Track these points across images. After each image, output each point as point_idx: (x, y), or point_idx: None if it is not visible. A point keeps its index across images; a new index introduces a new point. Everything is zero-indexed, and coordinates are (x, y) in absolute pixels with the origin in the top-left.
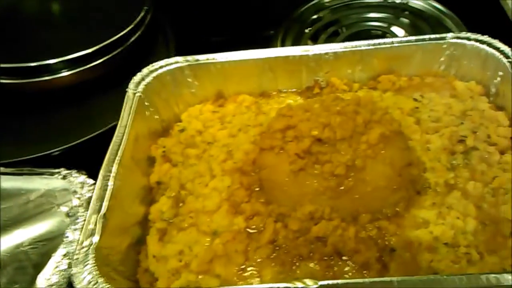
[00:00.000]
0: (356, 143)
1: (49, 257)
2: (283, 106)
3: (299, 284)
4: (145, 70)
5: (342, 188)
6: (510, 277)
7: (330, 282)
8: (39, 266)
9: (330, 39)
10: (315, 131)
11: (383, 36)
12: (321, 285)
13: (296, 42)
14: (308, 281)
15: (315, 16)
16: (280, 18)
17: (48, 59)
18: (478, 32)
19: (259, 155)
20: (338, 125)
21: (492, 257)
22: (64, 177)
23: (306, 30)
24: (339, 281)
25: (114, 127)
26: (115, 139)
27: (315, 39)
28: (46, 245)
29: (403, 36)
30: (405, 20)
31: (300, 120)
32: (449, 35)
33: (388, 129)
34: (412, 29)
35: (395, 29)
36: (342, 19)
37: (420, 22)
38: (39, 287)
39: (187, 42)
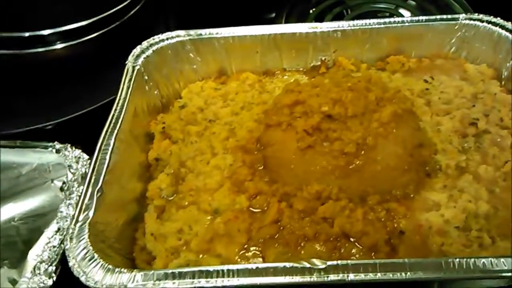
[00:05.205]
0: (368, 121)
1: (40, 233)
2: (291, 82)
3: (306, 264)
4: (145, 43)
5: (351, 167)
6: None
7: (339, 262)
8: (30, 242)
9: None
10: (325, 107)
11: (390, 17)
12: (329, 266)
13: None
14: (316, 261)
15: None
16: None
17: (42, 30)
18: None
19: (265, 132)
20: (349, 101)
21: (504, 241)
22: (58, 151)
23: (311, 11)
24: (349, 261)
25: (111, 102)
26: (113, 112)
27: (319, 21)
28: (38, 220)
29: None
30: (412, 3)
31: (310, 95)
32: (462, 16)
33: (400, 108)
34: (420, 12)
35: (402, 11)
36: (347, 0)
37: (428, 5)
38: (29, 264)
39: (187, 23)
